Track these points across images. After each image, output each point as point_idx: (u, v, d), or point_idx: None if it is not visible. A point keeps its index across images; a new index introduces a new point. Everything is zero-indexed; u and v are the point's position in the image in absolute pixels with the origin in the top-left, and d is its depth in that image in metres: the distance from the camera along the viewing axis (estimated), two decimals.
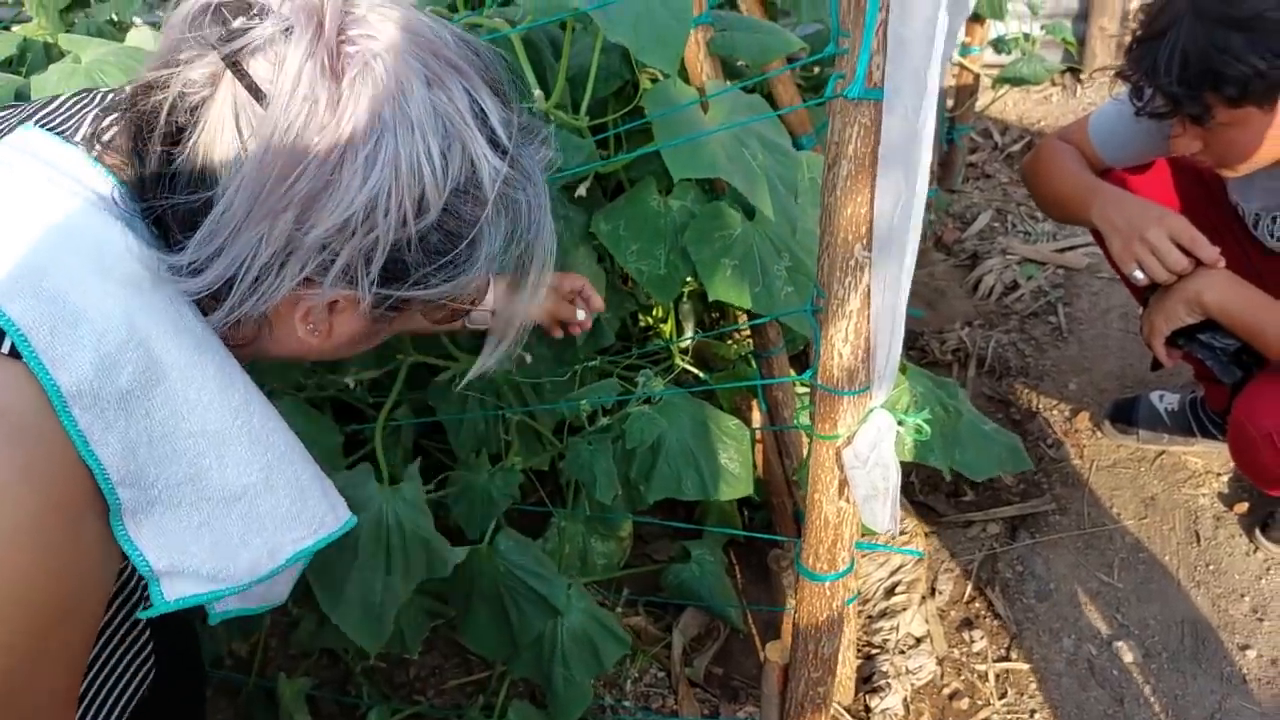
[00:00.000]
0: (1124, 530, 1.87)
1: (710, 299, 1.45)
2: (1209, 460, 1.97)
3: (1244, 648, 1.65)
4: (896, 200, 1.00)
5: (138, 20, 2.57)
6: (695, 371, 1.73)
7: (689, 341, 1.78)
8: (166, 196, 0.68)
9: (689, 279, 1.56)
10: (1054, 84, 3.21)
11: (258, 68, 0.64)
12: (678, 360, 1.74)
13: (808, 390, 1.83)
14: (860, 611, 1.74)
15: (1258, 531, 1.80)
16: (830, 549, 1.20)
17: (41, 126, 0.76)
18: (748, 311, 1.69)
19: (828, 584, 1.22)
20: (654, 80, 1.57)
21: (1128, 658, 1.65)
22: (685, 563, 1.76)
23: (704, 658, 1.72)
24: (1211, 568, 1.78)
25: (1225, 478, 1.93)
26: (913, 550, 1.19)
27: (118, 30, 3.00)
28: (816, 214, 1.57)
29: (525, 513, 1.71)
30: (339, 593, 1.09)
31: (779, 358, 1.70)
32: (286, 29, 0.64)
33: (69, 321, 0.65)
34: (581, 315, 1.30)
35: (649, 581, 1.84)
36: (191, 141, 0.67)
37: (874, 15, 0.88)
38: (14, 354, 0.64)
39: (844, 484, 1.15)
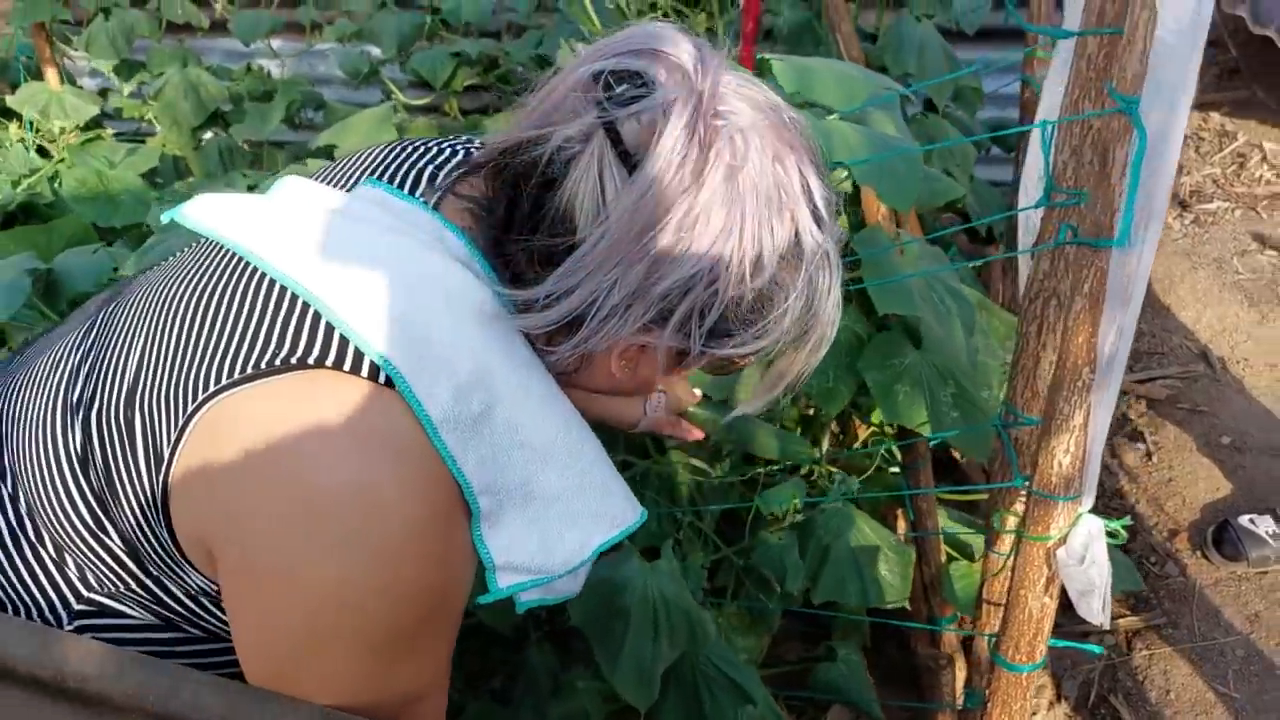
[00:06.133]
0: (1234, 645, 1.98)
1: (887, 419, 1.60)
2: None
3: None
4: (1119, 330, 1.17)
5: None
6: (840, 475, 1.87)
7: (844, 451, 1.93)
8: (529, 238, 0.77)
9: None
10: None
11: (628, 131, 0.73)
12: (823, 467, 1.89)
13: (949, 500, 1.98)
14: None
15: None
16: (1031, 641, 1.32)
17: (377, 180, 0.86)
18: (892, 428, 1.85)
19: (1025, 674, 1.34)
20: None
21: None
22: (832, 661, 1.87)
23: None
24: None
25: None
26: (1095, 647, 1.32)
27: (248, 149, 3.22)
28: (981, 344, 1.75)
29: None
30: (617, 658, 1.22)
31: (925, 470, 1.84)
32: (668, 101, 0.72)
33: (430, 358, 0.74)
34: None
35: (786, 680, 1.94)
36: (560, 190, 0.74)
37: (1136, 180, 1.06)
38: (388, 383, 0.74)
39: (1049, 582, 1.29)
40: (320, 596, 0.73)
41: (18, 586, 0.85)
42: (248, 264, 0.80)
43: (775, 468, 1.75)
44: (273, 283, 0.78)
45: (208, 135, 3.27)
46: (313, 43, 3.35)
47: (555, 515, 0.82)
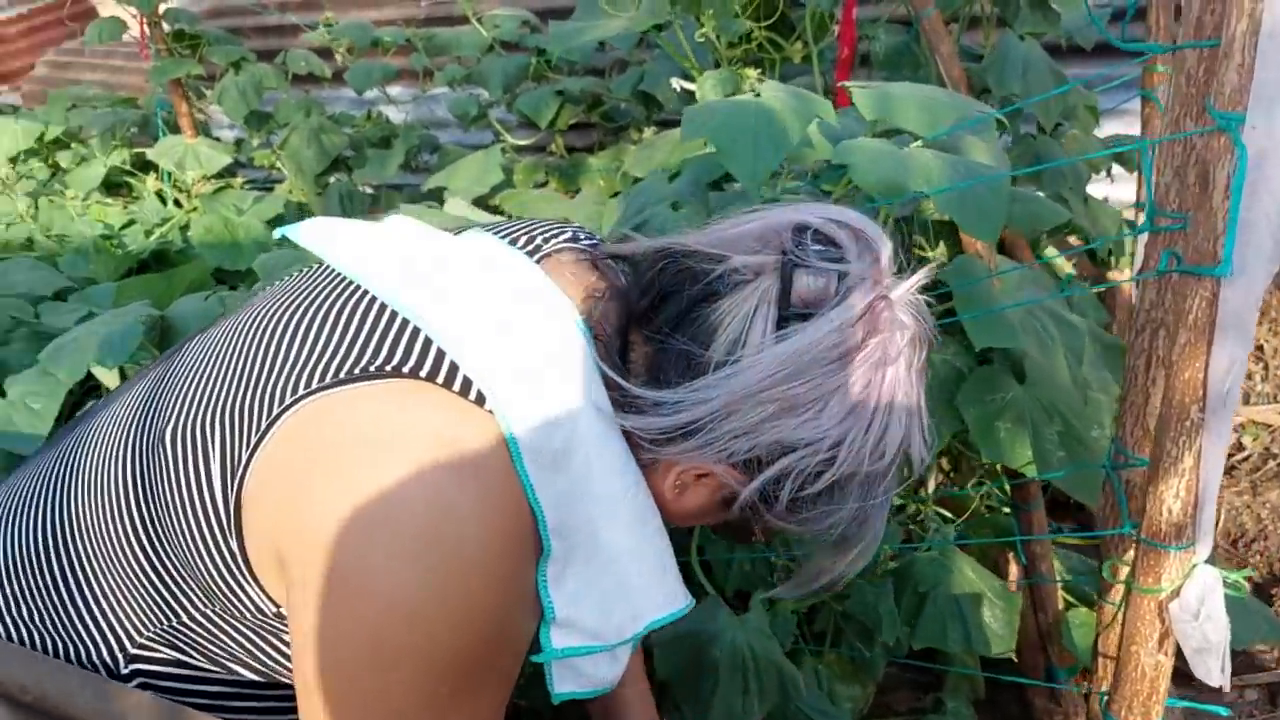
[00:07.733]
0: None
1: (988, 458, 1.51)
2: None
3: None
4: (1230, 364, 1.07)
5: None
6: (948, 516, 1.79)
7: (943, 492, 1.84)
8: (667, 337, 0.78)
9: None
10: None
11: (800, 284, 0.74)
12: (929, 507, 1.80)
13: (1069, 544, 1.86)
14: None
15: None
16: (1145, 702, 1.22)
17: (485, 230, 0.89)
18: (1004, 468, 1.75)
19: None
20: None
21: None
22: (941, 714, 1.78)
23: None
24: None
25: None
26: (1220, 708, 1.21)
27: (363, 191, 3.32)
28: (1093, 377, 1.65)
29: None
30: (706, 715, 1.18)
31: (1038, 511, 1.74)
32: (853, 276, 0.75)
33: (524, 385, 0.75)
34: None
35: None
36: (715, 306, 0.76)
37: (1237, 202, 0.97)
38: (478, 401, 0.74)
39: (1163, 637, 1.19)
40: (390, 608, 0.70)
41: (80, 632, 0.87)
42: (350, 283, 0.82)
43: None
44: (373, 299, 0.79)
45: (330, 180, 3.39)
46: (426, 89, 3.44)
47: (614, 579, 0.81)
